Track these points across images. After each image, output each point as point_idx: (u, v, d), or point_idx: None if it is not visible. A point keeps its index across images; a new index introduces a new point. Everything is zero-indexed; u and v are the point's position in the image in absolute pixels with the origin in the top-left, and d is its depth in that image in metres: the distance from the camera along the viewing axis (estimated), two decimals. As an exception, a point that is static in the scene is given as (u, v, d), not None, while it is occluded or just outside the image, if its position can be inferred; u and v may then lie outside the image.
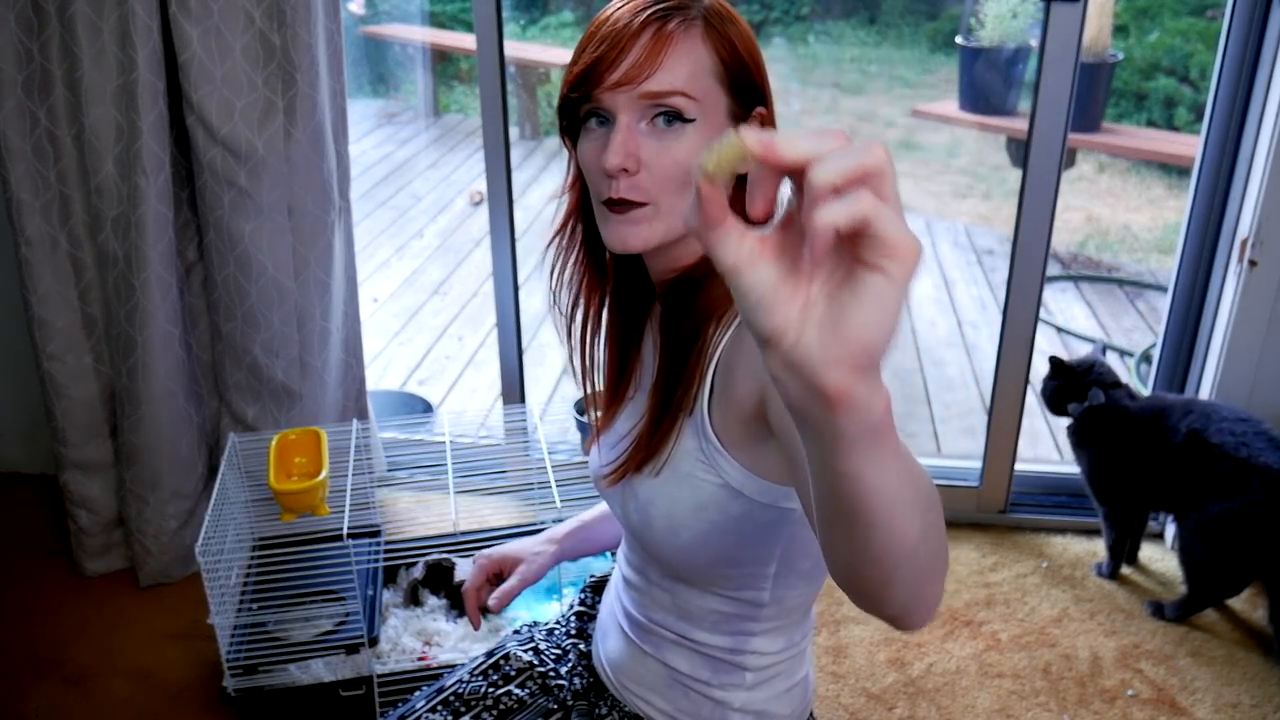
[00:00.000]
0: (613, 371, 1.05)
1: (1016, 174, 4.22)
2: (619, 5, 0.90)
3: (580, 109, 0.91)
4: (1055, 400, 2.13)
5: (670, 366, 0.95)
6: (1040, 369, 2.28)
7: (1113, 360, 2.28)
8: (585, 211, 1.00)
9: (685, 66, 0.87)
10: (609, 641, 1.14)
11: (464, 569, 1.95)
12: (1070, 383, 2.10)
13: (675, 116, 0.88)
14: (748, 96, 0.92)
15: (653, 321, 1.02)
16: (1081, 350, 3.46)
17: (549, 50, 6.08)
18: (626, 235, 0.90)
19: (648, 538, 0.98)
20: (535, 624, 1.28)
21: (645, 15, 0.88)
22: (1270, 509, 1.88)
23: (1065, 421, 2.15)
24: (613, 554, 2.09)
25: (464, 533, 1.92)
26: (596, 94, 0.88)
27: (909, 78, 6.00)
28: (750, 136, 0.47)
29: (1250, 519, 1.89)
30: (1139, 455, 2.04)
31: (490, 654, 1.20)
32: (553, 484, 1.84)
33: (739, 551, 0.95)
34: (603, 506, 1.29)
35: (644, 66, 0.87)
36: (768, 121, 0.95)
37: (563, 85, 0.92)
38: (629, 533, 1.06)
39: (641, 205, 0.89)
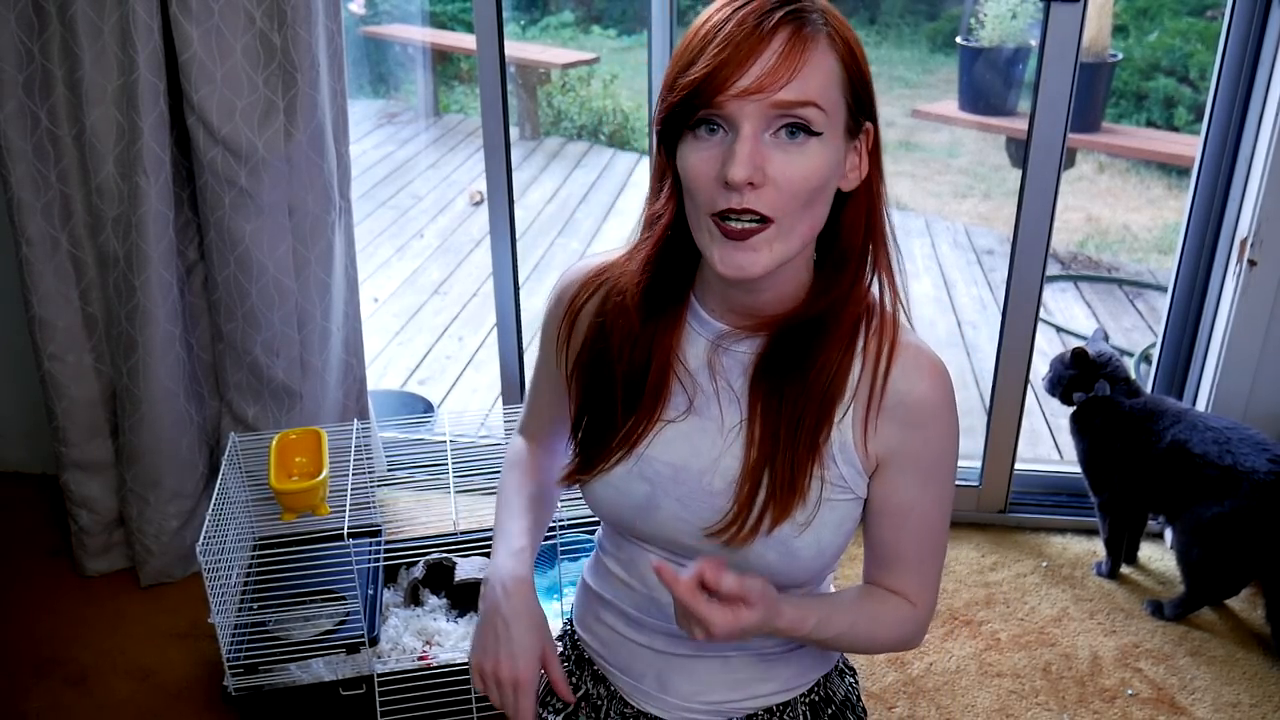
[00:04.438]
0: (625, 390, 0.98)
1: (1016, 174, 4.23)
2: (734, 5, 0.84)
3: (691, 116, 0.84)
4: (1066, 389, 2.13)
5: (797, 415, 0.92)
6: (1040, 369, 2.28)
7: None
8: (675, 232, 0.93)
9: (818, 76, 0.82)
10: (687, 685, 1.06)
11: (464, 569, 1.95)
12: (1086, 374, 2.10)
13: (803, 129, 0.83)
14: (861, 110, 0.87)
15: (714, 355, 0.96)
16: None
17: (549, 50, 6.08)
18: (744, 262, 0.85)
19: (783, 571, 0.96)
20: None
21: (777, 18, 0.82)
22: (1261, 511, 1.88)
23: (1065, 424, 2.15)
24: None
25: (464, 532, 1.92)
26: (719, 100, 0.81)
27: (909, 78, 5.99)
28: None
29: (1242, 522, 1.90)
30: (1125, 452, 2.05)
31: None
32: (553, 484, 1.84)
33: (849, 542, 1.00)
34: (515, 479, 1.12)
35: (778, 74, 0.81)
36: (874, 137, 0.90)
37: (670, 90, 0.85)
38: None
39: (764, 225, 0.84)
